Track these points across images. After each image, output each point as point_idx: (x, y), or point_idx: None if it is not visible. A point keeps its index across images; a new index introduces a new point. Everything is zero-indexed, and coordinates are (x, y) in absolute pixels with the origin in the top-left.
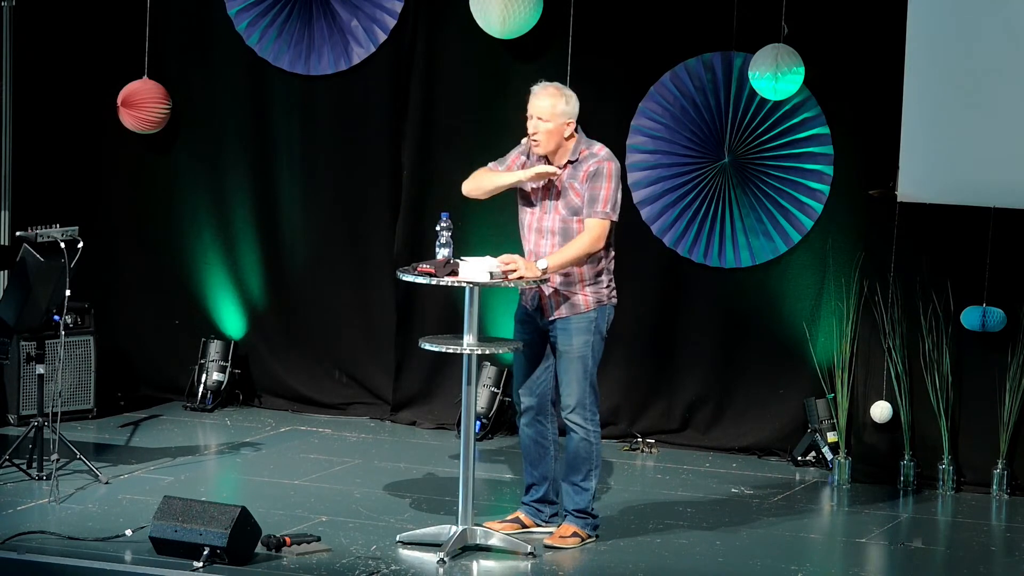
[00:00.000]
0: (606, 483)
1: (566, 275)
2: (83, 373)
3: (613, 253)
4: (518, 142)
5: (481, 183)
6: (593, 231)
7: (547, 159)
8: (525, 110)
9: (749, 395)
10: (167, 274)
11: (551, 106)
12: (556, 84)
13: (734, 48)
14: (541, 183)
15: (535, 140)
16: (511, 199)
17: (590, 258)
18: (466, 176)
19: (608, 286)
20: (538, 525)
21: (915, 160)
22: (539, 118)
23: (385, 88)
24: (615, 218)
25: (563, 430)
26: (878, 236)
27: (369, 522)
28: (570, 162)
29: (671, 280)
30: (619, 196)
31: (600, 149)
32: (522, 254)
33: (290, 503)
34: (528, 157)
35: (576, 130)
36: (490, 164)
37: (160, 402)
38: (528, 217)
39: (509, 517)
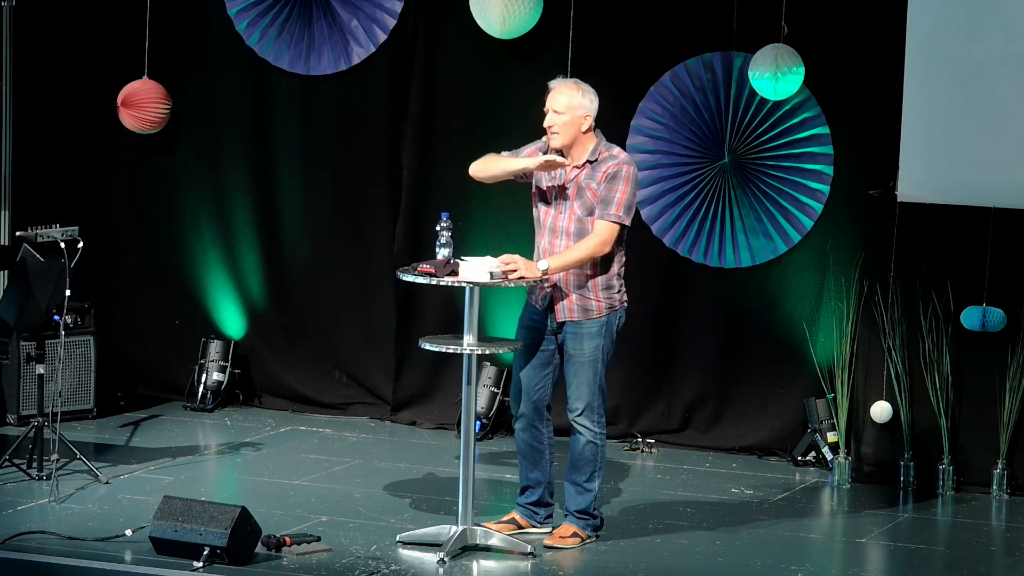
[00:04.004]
0: (606, 483)
1: (580, 280)
2: (83, 373)
3: (624, 259)
4: (518, 141)
5: (488, 166)
6: (601, 234)
7: (562, 154)
8: (525, 110)
9: (749, 395)
10: (167, 274)
11: (567, 99)
12: (574, 79)
13: (734, 48)
14: (557, 180)
15: (553, 133)
16: (514, 199)
17: (594, 261)
18: (465, 176)
19: (620, 291)
20: (533, 527)
21: (915, 160)
22: (555, 111)
23: (385, 88)
24: (627, 223)
25: (565, 431)
26: (878, 236)
27: (369, 522)
28: (589, 162)
29: (671, 280)
30: (634, 201)
31: (620, 152)
32: (526, 253)
33: (290, 503)
34: (546, 153)
35: (596, 132)
36: (503, 153)
37: (160, 402)
38: (543, 216)
39: (505, 518)
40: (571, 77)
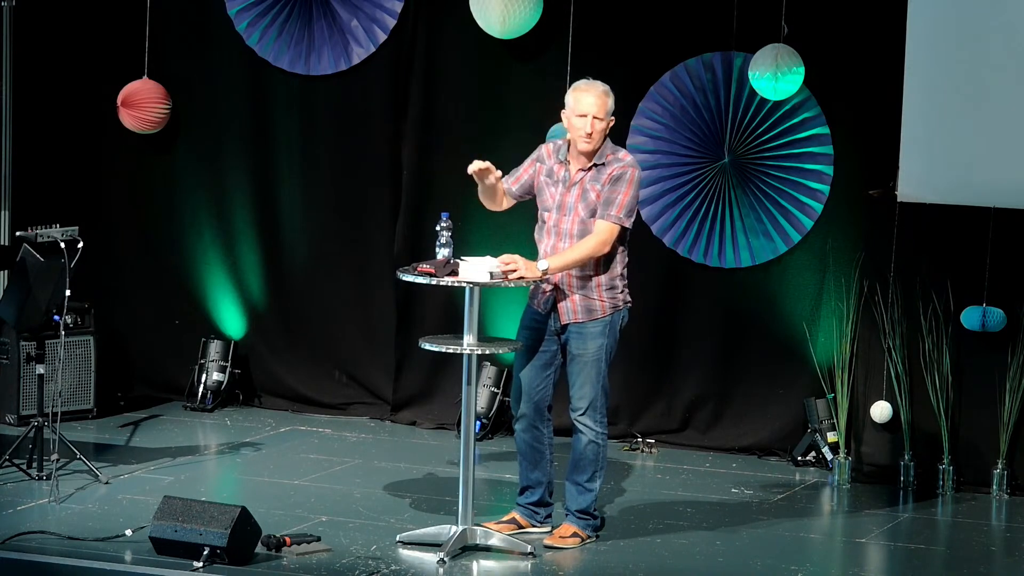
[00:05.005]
0: (607, 483)
1: (584, 281)
2: (83, 373)
3: (627, 259)
4: (518, 141)
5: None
6: (601, 234)
7: (568, 162)
8: (525, 110)
9: (749, 395)
10: (167, 274)
11: (604, 104)
12: (599, 82)
13: (734, 48)
14: (562, 184)
15: (589, 138)
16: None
17: (596, 261)
18: (465, 176)
19: (623, 290)
20: (533, 526)
21: (915, 160)
22: (595, 116)
23: (385, 88)
24: (627, 225)
25: (566, 431)
26: (878, 236)
27: (369, 522)
28: (595, 165)
29: (671, 280)
30: (636, 204)
31: (626, 155)
32: (526, 253)
33: (290, 503)
34: (545, 161)
35: None
36: (503, 181)
37: (160, 402)
38: (547, 219)
39: (505, 518)
40: (572, 77)
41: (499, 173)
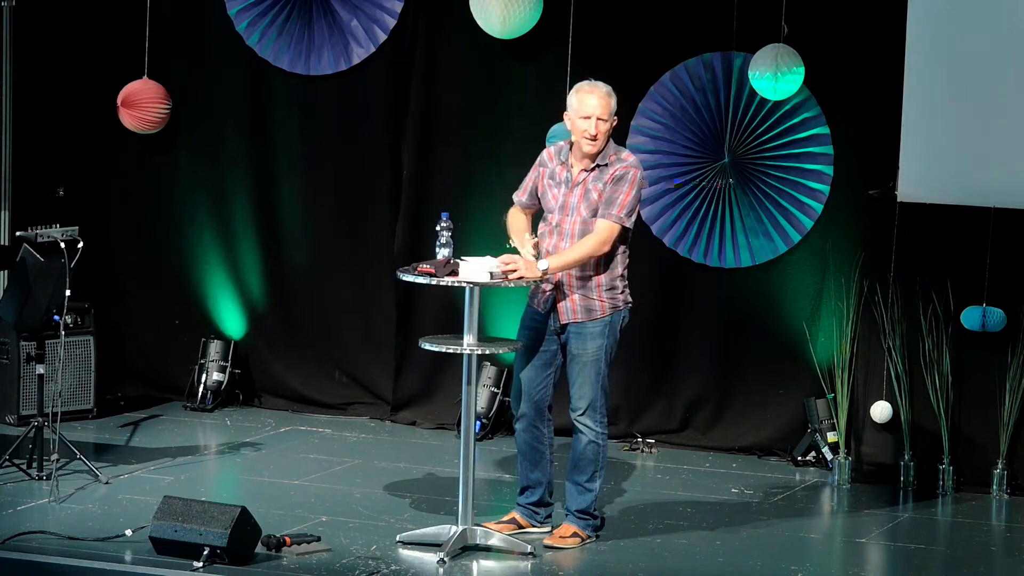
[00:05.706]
0: (607, 482)
1: (584, 281)
2: (83, 373)
3: (628, 260)
4: (518, 141)
5: (509, 225)
6: (602, 233)
7: (571, 163)
8: (525, 110)
9: (749, 395)
10: (167, 274)
11: (608, 105)
12: (602, 83)
13: (734, 48)
14: (564, 184)
15: (593, 140)
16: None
17: (597, 261)
18: (465, 176)
19: (623, 291)
20: (533, 526)
21: (915, 160)
22: (600, 118)
23: (385, 88)
24: (628, 224)
25: (566, 431)
26: (878, 236)
27: (369, 522)
28: (598, 166)
29: (671, 280)
30: (637, 205)
31: (628, 156)
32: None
33: (290, 503)
34: (547, 164)
35: None
36: (514, 196)
37: (160, 402)
38: (550, 218)
39: (505, 518)
40: (572, 77)
41: (533, 238)
